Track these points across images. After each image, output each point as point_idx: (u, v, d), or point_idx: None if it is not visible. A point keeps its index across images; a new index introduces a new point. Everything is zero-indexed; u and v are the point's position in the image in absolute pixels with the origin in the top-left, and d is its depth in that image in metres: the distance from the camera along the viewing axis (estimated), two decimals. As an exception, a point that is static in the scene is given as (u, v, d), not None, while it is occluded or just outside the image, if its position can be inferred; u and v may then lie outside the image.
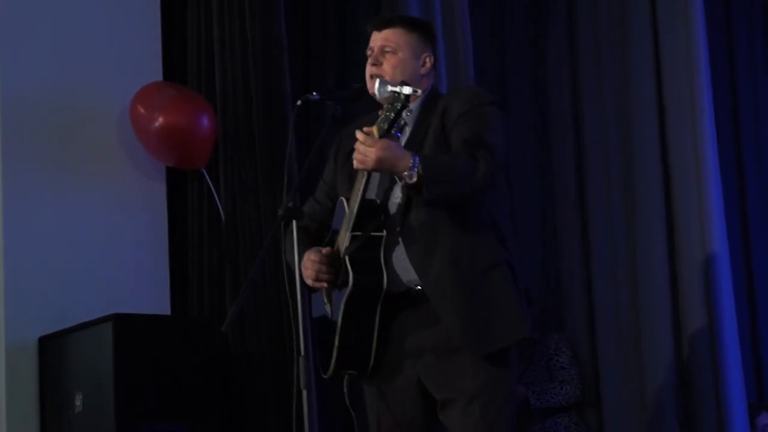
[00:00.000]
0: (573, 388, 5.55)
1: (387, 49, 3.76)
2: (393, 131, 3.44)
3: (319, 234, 3.85)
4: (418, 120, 3.71)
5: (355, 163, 3.51)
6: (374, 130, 3.46)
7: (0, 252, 5.38)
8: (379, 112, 3.52)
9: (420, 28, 3.85)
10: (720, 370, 5.19)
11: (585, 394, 5.64)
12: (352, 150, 3.73)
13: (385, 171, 3.51)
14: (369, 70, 3.77)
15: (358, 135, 3.46)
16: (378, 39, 3.80)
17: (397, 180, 3.51)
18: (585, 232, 5.91)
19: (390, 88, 3.46)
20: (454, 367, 3.59)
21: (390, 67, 3.73)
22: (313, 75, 6.16)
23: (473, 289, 3.58)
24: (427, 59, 3.81)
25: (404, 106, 3.41)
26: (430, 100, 3.75)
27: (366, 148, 3.44)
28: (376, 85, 3.55)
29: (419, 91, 3.45)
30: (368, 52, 3.82)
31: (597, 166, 5.87)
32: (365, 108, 3.89)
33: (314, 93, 3.78)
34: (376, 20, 3.88)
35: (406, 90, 3.41)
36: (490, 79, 6.07)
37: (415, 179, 3.43)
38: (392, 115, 3.42)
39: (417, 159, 3.44)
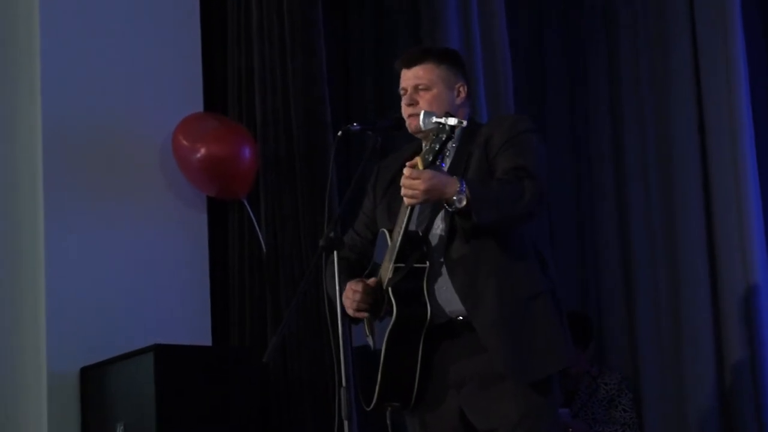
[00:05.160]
0: None
1: (420, 86, 3.73)
2: (438, 162, 3.45)
3: (359, 265, 3.84)
4: (458, 151, 3.70)
5: (405, 200, 3.48)
6: (419, 161, 3.45)
7: (42, 284, 5.42)
8: (423, 144, 3.51)
9: (448, 58, 3.81)
10: (762, 398, 5.17)
11: None
12: (391, 182, 3.72)
13: (435, 200, 3.49)
14: (405, 110, 3.74)
15: (405, 171, 3.45)
16: (410, 78, 3.76)
17: (446, 207, 3.48)
18: (626, 256, 5.89)
19: (435, 119, 3.45)
20: (496, 396, 3.57)
21: (426, 105, 3.68)
22: (353, 105, 6.17)
23: (517, 318, 3.57)
24: (461, 89, 3.78)
25: (449, 137, 3.40)
26: (470, 130, 3.71)
27: (412, 182, 3.43)
28: (421, 116, 3.50)
29: (465, 122, 3.44)
30: (401, 92, 3.78)
31: (637, 190, 5.86)
32: (405, 139, 3.89)
33: (355, 124, 3.77)
34: (404, 58, 3.82)
35: (452, 121, 3.40)
36: (528, 99, 6.08)
37: (464, 203, 3.42)
38: (437, 146, 3.41)
39: (464, 183, 3.43)
